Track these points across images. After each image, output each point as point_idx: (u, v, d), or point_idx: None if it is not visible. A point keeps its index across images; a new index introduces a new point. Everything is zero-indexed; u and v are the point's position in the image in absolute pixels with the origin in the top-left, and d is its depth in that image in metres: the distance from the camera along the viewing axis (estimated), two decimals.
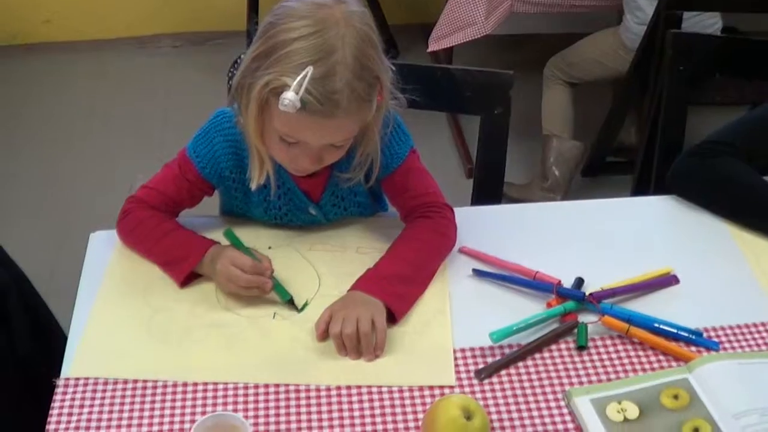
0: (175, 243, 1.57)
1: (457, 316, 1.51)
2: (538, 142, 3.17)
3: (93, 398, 1.37)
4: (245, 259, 1.50)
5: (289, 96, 1.35)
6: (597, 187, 3.24)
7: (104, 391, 1.38)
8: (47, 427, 1.32)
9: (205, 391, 1.38)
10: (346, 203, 1.68)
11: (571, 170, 3.12)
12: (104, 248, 1.64)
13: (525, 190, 3.11)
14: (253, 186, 1.54)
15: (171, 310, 1.52)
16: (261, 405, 1.36)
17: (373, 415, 1.34)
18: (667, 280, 1.58)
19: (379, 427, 1.33)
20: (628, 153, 3.21)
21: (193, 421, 1.32)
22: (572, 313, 1.51)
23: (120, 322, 1.50)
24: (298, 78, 1.34)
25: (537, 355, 1.45)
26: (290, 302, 1.52)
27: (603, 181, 3.26)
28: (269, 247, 1.63)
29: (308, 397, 1.37)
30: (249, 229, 1.63)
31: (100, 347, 1.45)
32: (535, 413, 1.35)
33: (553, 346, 1.46)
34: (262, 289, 1.50)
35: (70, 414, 1.35)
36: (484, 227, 1.70)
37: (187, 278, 1.55)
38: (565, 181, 3.10)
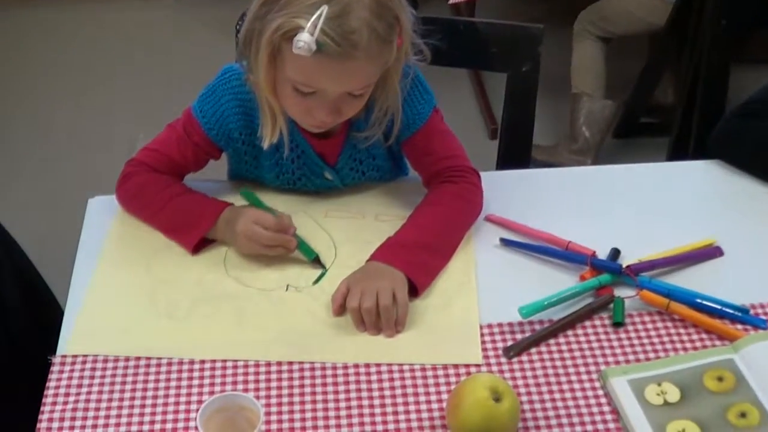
0: (185, 206, 1.56)
1: (483, 290, 1.50)
2: (566, 102, 3.15)
3: (92, 377, 1.36)
4: (268, 217, 1.50)
5: (304, 38, 1.32)
6: (629, 150, 3.21)
7: (104, 369, 1.37)
8: (42, 408, 1.31)
9: (212, 369, 1.37)
10: (364, 167, 1.67)
11: (602, 131, 3.09)
12: (103, 215, 1.63)
13: (552, 152, 3.08)
14: (266, 145, 1.52)
15: (176, 281, 1.51)
16: (273, 384, 1.35)
17: (393, 396, 1.33)
18: (710, 252, 1.55)
19: (400, 408, 1.32)
20: (664, 113, 3.17)
21: (200, 402, 1.30)
22: (608, 286, 1.49)
23: (121, 294, 1.49)
24: (313, 18, 1.31)
25: (570, 332, 1.43)
26: (316, 261, 1.52)
27: (636, 144, 3.23)
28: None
29: (324, 376, 1.36)
30: (260, 194, 1.61)
31: (100, 322, 1.44)
32: (567, 395, 1.34)
33: (587, 323, 1.45)
34: (287, 248, 1.50)
35: (67, 394, 1.34)
36: (512, 193, 1.69)
37: (199, 244, 1.54)
38: (595, 143, 3.07)
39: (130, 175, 1.61)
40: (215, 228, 1.54)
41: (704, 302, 1.45)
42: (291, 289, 1.50)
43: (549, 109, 3.23)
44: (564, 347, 1.41)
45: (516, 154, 2.02)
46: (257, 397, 1.30)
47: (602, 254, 1.55)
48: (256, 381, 1.35)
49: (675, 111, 2.88)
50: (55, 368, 1.37)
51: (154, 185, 1.58)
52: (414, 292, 1.47)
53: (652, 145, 3.06)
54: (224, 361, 1.38)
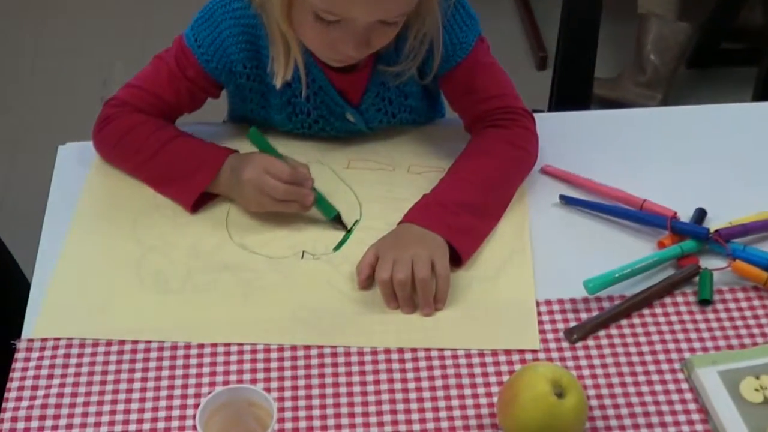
0: (180, 153, 1.55)
1: (540, 258, 1.49)
2: (631, 25, 3.12)
3: (65, 366, 1.35)
4: (282, 166, 1.49)
5: None
6: (707, 82, 3.19)
7: (80, 356, 1.36)
8: (4, 405, 1.30)
9: (213, 356, 1.36)
10: (394, 107, 1.65)
11: (675, 60, 3.06)
12: (77, 166, 1.63)
13: (614, 86, 3.07)
14: (278, 83, 1.52)
15: (168, 247, 1.51)
16: (287, 374, 1.34)
17: (432, 389, 1.32)
18: None
19: (441, 404, 1.30)
20: (752, 38, 3.15)
21: (198, 397, 1.30)
22: (692, 255, 1.48)
23: (100, 265, 1.49)
24: None
25: (646, 312, 1.42)
26: (337, 219, 1.53)
27: (716, 75, 3.21)
28: None
29: (348, 364, 1.35)
30: (269, 140, 1.59)
31: (74, 298, 1.44)
32: (644, 388, 1.32)
33: (668, 300, 1.44)
34: (302, 203, 1.50)
35: (34, 387, 1.32)
36: (571, 139, 1.68)
37: (198, 200, 1.54)
38: (666, 73, 3.04)
39: (111, 117, 1.59)
40: (218, 179, 1.53)
41: None
42: (307, 257, 1.50)
43: (610, 34, 3.17)
44: (639, 330, 1.40)
45: (573, 90, 2.02)
46: (268, 390, 1.28)
47: (685, 216, 1.54)
48: (267, 370, 1.34)
49: (765, 35, 2.82)
50: (19, 355, 1.36)
51: (140, 129, 1.57)
52: (456, 261, 1.46)
53: (736, 77, 3.04)
54: (227, 345, 1.37)
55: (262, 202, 1.50)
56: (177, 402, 1.31)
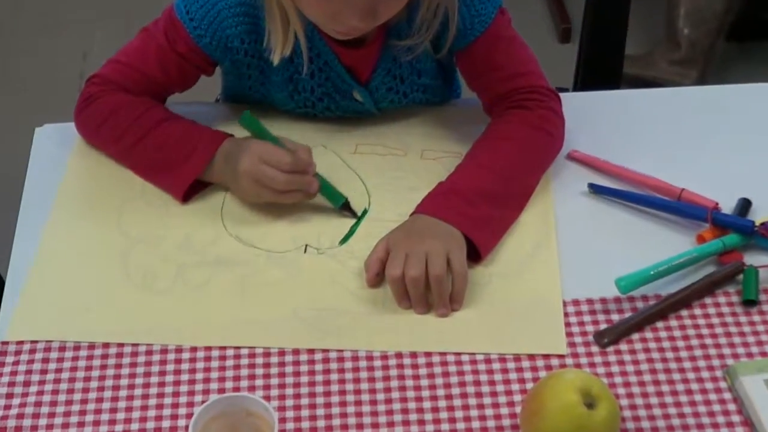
0: (171, 137, 1.55)
1: (567, 253, 1.49)
2: None
3: (43, 371, 1.34)
4: (281, 154, 1.49)
5: None
6: (749, 57, 3.18)
7: (59, 360, 1.35)
8: None
9: (207, 360, 1.36)
10: (406, 86, 1.66)
11: (712, 33, 3.05)
12: (56, 150, 1.64)
13: (645, 63, 3.07)
14: (276, 59, 1.52)
15: (157, 241, 1.51)
16: (289, 381, 1.33)
17: (449, 398, 1.31)
18: None
19: (458, 414, 1.30)
20: None
21: (190, 406, 1.29)
22: (735, 251, 1.48)
23: (81, 259, 1.49)
24: None
25: (684, 313, 1.41)
26: (345, 207, 1.53)
27: (758, 49, 3.21)
28: None
29: (356, 370, 1.35)
30: (267, 122, 1.58)
31: (53, 297, 1.44)
32: (683, 398, 1.32)
33: (708, 300, 1.43)
34: (306, 192, 1.51)
35: (9, 395, 1.32)
36: (600, 122, 1.69)
37: (190, 189, 1.54)
38: (702, 48, 3.04)
39: (94, 96, 1.59)
40: (211, 167, 1.53)
41: None
42: (311, 251, 1.50)
43: (639, 6, 3.17)
44: (677, 333, 1.39)
45: (602, 66, 2.03)
46: (267, 399, 1.28)
47: (727, 207, 1.54)
48: (266, 376, 1.34)
49: None
50: None
51: (127, 110, 1.57)
52: (475, 256, 1.46)
53: None
54: (222, 349, 1.37)
55: (261, 194, 1.51)
56: (167, 412, 1.30)
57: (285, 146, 1.51)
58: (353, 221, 1.54)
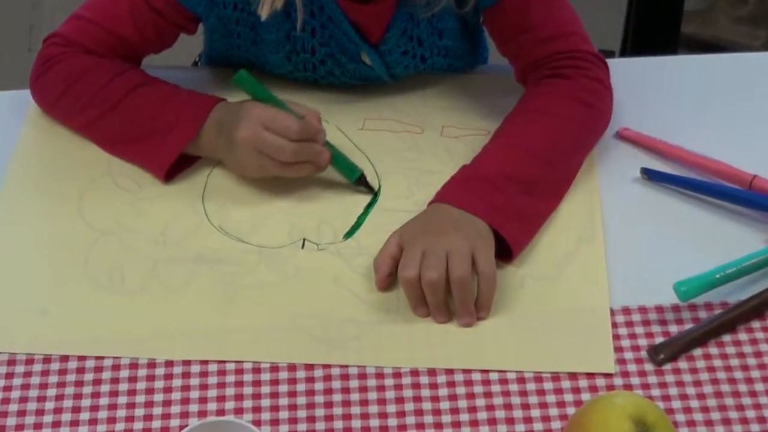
0: (150, 103, 1.56)
1: (615, 252, 1.49)
2: None
3: None
4: (287, 119, 1.50)
5: None
6: None
7: (8, 376, 1.35)
8: None
9: (186, 377, 1.35)
10: (424, 49, 1.66)
11: None
12: (6, 121, 1.65)
13: (706, 20, 3.07)
14: (264, 13, 1.53)
15: (127, 232, 1.51)
16: (283, 402, 1.33)
17: (474, 424, 1.30)
18: None
19: None
20: None
21: (165, 431, 1.29)
22: None
23: (35, 255, 1.50)
24: None
25: (756, 325, 1.41)
26: (361, 181, 1.56)
27: None
28: None
29: (363, 389, 1.34)
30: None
31: (1, 301, 1.44)
32: (754, 427, 1.30)
33: None
34: (316, 164, 1.52)
35: None
36: (654, 93, 1.70)
37: (174, 166, 1.55)
38: None
39: (54, 58, 1.60)
40: (200, 137, 1.54)
41: None
42: (310, 247, 1.50)
43: None
44: (747, 349, 1.38)
45: (655, 27, 2.05)
46: (258, 424, 1.29)
47: None
48: (256, 397, 1.33)
49: None
50: None
51: (96, 73, 1.58)
52: (505, 254, 1.46)
53: None
54: (204, 363, 1.37)
55: (264, 167, 1.51)
56: None
57: (291, 110, 1.52)
58: (359, 212, 1.54)
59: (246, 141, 1.49)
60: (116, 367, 1.36)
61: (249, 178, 1.55)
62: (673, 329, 1.40)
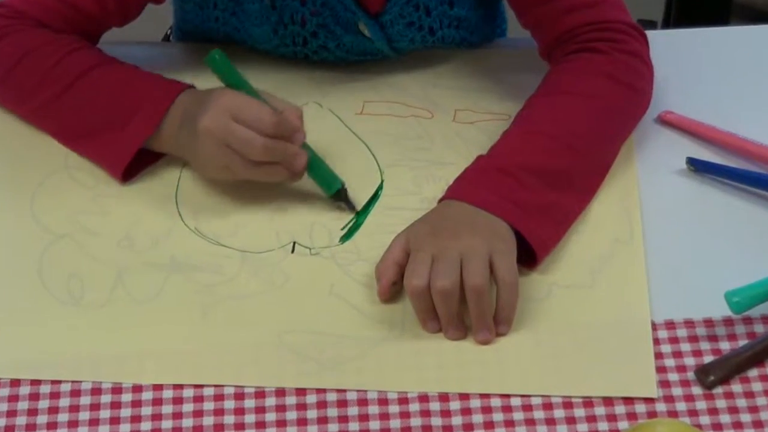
0: (106, 89, 1.57)
1: (656, 256, 1.49)
2: None
3: None
4: (259, 109, 1.48)
5: None
6: None
7: None
8: None
9: (157, 403, 1.34)
10: (432, 20, 1.69)
11: None
12: None
13: None
14: None
15: (87, 236, 1.51)
16: None
17: None
18: None
19: None
20: None
21: None
22: None
23: None
24: None
25: None
26: (340, 196, 1.54)
27: None
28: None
29: (363, 417, 1.33)
30: (239, 67, 1.58)
31: None
32: None
33: None
34: (290, 169, 1.50)
35: None
36: (701, 71, 1.73)
37: (134, 162, 1.55)
38: None
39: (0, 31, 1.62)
40: (162, 129, 1.53)
41: None
42: (301, 251, 1.50)
43: None
44: None
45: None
46: None
47: None
48: (239, 427, 1.32)
49: None
50: None
51: (46, 51, 1.59)
52: (529, 259, 1.46)
53: None
54: (178, 388, 1.35)
55: (229, 165, 1.49)
56: None
57: (264, 99, 1.51)
58: (358, 210, 1.55)
59: (210, 132, 1.47)
60: (76, 393, 1.34)
61: None
62: (725, 346, 1.39)
